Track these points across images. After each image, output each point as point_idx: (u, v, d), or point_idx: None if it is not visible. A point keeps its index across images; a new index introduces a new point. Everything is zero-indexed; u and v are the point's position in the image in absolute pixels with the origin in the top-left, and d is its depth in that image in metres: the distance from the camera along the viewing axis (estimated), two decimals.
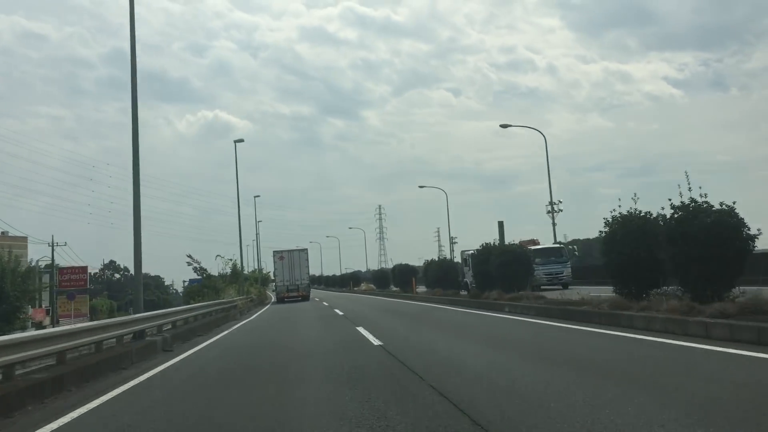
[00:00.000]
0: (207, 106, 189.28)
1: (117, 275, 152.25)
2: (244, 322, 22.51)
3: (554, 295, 17.65)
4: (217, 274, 40.60)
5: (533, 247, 27.00)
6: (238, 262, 41.81)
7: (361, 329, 14.27)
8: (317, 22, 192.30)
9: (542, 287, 22.12)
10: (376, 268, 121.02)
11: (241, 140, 39.51)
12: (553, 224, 77.25)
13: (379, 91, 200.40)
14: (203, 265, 38.33)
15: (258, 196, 64.34)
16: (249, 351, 11.94)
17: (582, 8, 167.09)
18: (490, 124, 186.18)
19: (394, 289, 43.36)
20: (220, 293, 31.65)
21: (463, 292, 23.38)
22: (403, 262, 40.69)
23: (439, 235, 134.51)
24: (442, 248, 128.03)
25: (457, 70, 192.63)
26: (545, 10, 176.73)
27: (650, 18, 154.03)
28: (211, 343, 14.28)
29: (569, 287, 24.37)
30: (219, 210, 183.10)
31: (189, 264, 36.76)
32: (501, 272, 19.04)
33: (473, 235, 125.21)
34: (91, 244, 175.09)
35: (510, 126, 41.43)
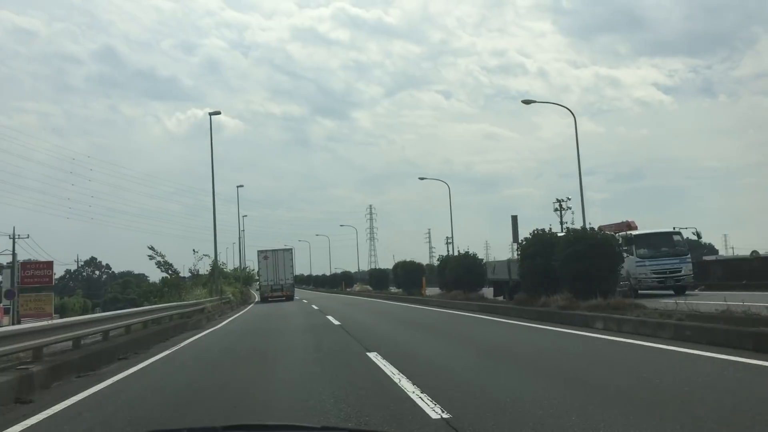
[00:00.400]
0: (197, 104, 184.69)
1: (98, 272, 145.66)
2: (203, 333, 16.43)
3: (655, 303, 11.75)
4: (189, 272, 34.54)
5: (634, 233, 19.34)
6: (221, 258, 35.80)
7: (378, 360, 8.31)
8: (309, 22, 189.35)
9: (640, 291, 15.44)
10: (367, 269, 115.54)
11: (218, 112, 33.57)
12: (561, 223, 71.78)
13: (370, 92, 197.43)
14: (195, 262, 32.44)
15: (241, 186, 58.52)
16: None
17: (574, 13, 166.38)
18: (481, 126, 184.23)
19: (395, 290, 37.44)
20: (186, 293, 25.53)
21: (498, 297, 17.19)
22: (406, 261, 34.74)
23: (429, 236, 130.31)
24: (433, 249, 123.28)
25: (448, 73, 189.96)
26: (537, 14, 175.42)
27: (641, 24, 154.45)
28: (107, 386, 8.15)
29: (686, 292, 17.07)
30: (209, 208, 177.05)
31: (151, 258, 30.58)
32: (572, 269, 13.10)
33: (464, 238, 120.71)
34: (70, 239, 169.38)
35: (534, 102, 35.60)
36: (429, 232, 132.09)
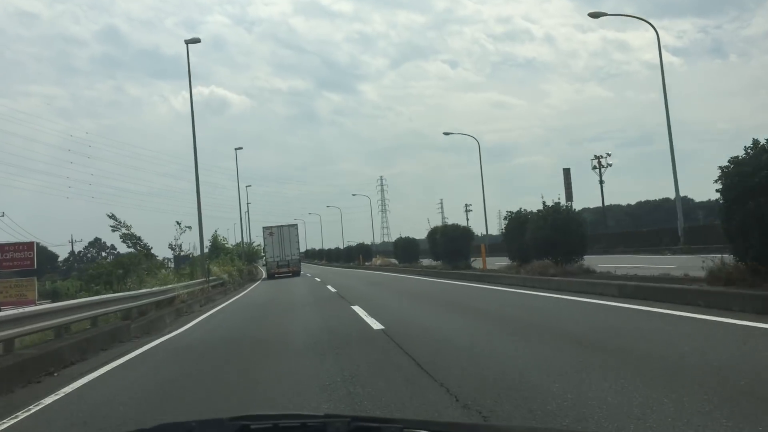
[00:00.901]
0: (202, 82, 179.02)
1: (103, 253, 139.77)
2: (127, 357, 8.84)
3: None
4: (169, 248, 27.18)
5: None
6: (224, 234, 28.43)
7: None
8: None
9: None
10: (379, 242, 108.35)
11: (197, 40, 25.91)
12: (601, 182, 63.74)
13: (376, 64, 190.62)
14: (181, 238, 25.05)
15: (240, 148, 51.09)
16: None
17: None
18: (488, 95, 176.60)
19: (429, 263, 30.02)
20: (149, 278, 18.08)
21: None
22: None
23: (442, 207, 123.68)
24: (446, 220, 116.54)
25: (454, 42, 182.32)
26: None
27: None
28: None
29: None
30: (218, 185, 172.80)
31: (114, 229, 23.29)
32: None
33: (477, 208, 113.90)
34: (77, 220, 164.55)
35: (604, 15, 27.68)
36: (441, 203, 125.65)
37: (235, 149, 50.60)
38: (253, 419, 1.42)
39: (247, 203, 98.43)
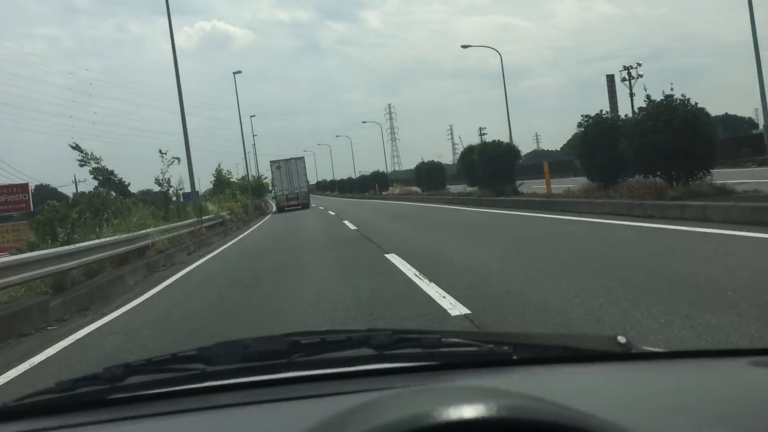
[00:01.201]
0: (204, 16, 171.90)
1: (113, 193, 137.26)
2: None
3: None
4: (156, 183, 22.84)
5: None
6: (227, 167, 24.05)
7: None
8: None
9: None
10: (390, 171, 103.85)
11: None
12: (631, 95, 58.31)
13: None
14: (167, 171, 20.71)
15: (239, 72, 46.16)
16: None
17: None
18: (494, 18, 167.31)
19: (461, 190, 25.72)
20: (111, 222, 13.81)
21: None
22: (486, 141, 22.78)
23: (452, 134, 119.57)
24: (456, 146, 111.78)
25: None
26: None
27: None
28: None
29: None
30: (223, 120, 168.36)
31: (82, 163, 19.11)
32: None
33: (488, 131, 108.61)
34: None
35: None
36: (451, 129, 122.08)
37: (234, 73, 45.76)
38: (302, 335, 1.35)
39: (253, 135, 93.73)
